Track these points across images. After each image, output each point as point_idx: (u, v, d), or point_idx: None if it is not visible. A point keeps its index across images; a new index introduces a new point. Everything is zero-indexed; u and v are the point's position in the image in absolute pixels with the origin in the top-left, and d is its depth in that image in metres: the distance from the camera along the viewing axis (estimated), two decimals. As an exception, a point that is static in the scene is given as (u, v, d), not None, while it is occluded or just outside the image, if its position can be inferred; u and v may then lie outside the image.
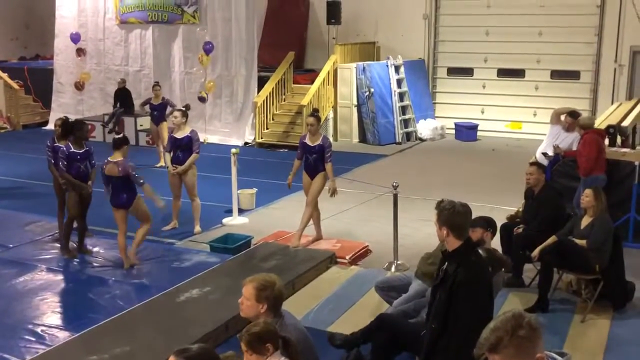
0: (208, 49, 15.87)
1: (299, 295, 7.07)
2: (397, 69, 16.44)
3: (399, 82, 16.43)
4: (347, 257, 8.00)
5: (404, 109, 16.45)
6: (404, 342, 4.98)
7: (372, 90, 15.76)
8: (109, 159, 7.65)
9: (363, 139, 16.08)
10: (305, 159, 8.43)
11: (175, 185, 9.16)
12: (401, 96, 16.42)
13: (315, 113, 8.76)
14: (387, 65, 16.33)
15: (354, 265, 7.93)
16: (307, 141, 8.38)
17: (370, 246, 8.44)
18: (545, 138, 9.76)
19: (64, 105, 18.29)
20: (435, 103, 17.61)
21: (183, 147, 9.06)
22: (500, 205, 9.64)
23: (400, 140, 16.06)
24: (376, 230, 9.02)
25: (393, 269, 7.72)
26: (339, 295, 7.03)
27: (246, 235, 8.53)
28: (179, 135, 9.08)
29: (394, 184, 7.99)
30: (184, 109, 9.58)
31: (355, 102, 15.99)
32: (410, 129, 16.45)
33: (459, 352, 4.07)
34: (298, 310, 6.43)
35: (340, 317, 6.48)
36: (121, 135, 8.48)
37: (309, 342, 4.30)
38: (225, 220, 9.64)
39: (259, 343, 3.66)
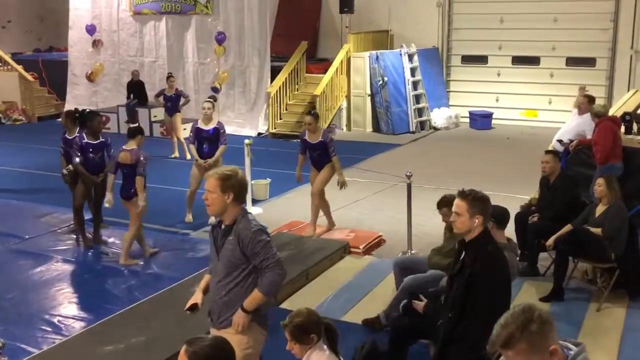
0: (220, 39, 15.86)
1: (313, 285, 7.09)
2: (410, 57, 16.35)
3: (413, 71, 16.35)
4: (361, 247, 8.00)
5: (417, 98, 16.37)
6: (422, 330, 4.97)
7: (385, 79, 15.69)
8: (123, 147, 7.66)
9: (377, 128, 16.02)
10: (309, 155, 8.36)
11: (196, 178, 8.81)
12: (415, 85, 16.34)
13: (312, 111, 8.54)
14: (401, 54, 16.25)
15: (368, 255, 7.93)
16: (307, 138, 8.27)
17: (384, 236, 8.43)
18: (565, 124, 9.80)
19: (79, 97, 18.37)
20: (449, 91, 17.51)
21: (210, 139, 8.83)
22: (515, 194, 9.59)
23: (414, 130, 15.99)
24: (390, 220, 9.01)
25: (407, 258, 7.71)
26: (353, 285, 7.04)
27: (260, 226, 8.51)
28: (206, 126, 8.83)
29: (408, 173, 7.96)
30: (211, 99, 9.19)
31: (368, 92, 15.94)
32: (424, 118, 16.38)
33: (476, 342, 4.06)
34: (312, 299, 6.47)
35: (354, 307, 6.48)
36: (136, 124, 8.44)
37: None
38: (239, 211, 9.62)
39: (304, 334, 3.65)
